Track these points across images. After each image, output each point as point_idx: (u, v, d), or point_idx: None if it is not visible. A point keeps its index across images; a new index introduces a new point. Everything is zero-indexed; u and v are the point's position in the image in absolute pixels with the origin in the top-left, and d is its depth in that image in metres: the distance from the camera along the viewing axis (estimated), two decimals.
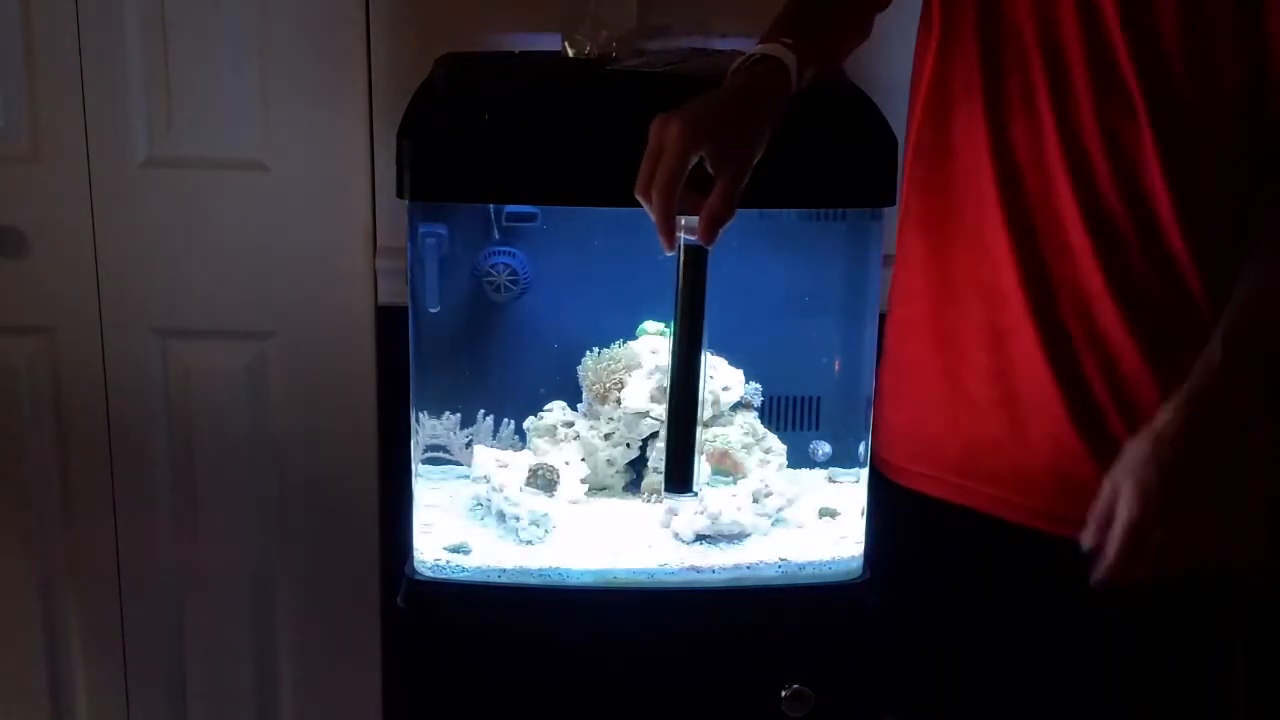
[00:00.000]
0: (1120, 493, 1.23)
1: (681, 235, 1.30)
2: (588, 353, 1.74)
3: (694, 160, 1.26)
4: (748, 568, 1.61)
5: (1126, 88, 1.30)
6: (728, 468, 1.69)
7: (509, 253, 1.70)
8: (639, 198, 1.28)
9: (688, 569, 1.61)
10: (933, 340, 1.46)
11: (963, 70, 1.39)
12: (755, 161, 1.29)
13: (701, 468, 1.48)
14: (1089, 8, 1.30)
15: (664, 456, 1.44)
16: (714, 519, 1.63)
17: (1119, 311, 1.34)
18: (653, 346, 1.72)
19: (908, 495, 1.52)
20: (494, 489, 1.66)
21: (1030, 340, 1.37)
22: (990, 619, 1.47)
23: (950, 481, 1.46)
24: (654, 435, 1.71)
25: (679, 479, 1.43)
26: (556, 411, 1.75)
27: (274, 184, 1.97)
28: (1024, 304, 1.36)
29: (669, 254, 1.31)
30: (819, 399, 1.78)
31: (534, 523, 1.63)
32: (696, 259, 1.34)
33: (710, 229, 1.28)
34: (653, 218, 1.28)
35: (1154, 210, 1.31)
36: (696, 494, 1.53)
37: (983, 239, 1.39)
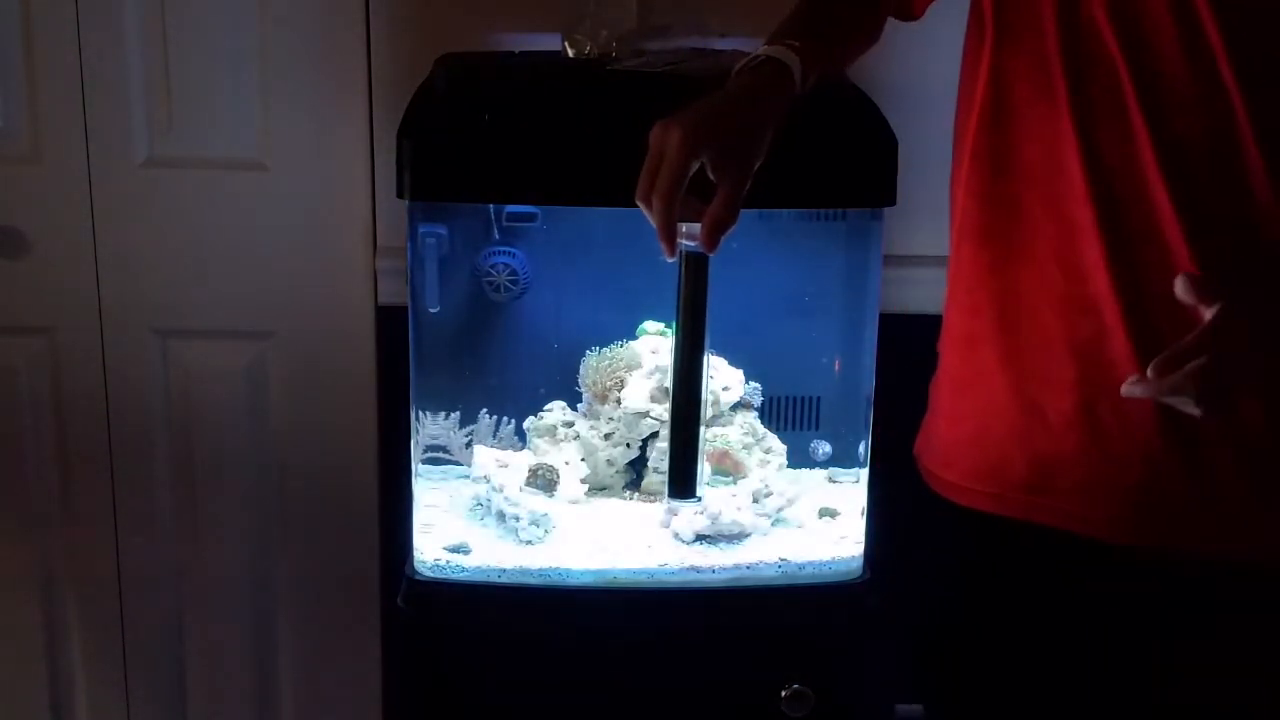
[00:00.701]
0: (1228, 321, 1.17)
1: (683, 242, 1.30)
2: (587, 351, 1.74)
3: (695, 167, 1.25)
4: (748, 568, 1.61)
5: (1224, 87, 1.25)
6: (728, 468, 1.69)
7: (509, 253, 1.70)
8: (640, 205, 1.27)
9: (688, 569, 1.61)
10: (999, 354, 1.39)
11: (1031, 72, 1.33)
12: (757, 166, 1.28)
13: (702, 469, 1.48)
14: (1182, 5, 1.25)
15: (667, 462, 1.44)
16: (714, 519, 1.63)
17: None
18: (653, 346, 1.72)
19: (967, 514, 1.44)
20: (494, 489, 1.66)
21: (1121, 350, 1.31)
22: (1064, 635, 1.41)
23: (1017, 499, 1.39)
24: (654, 435, 1.71)
25: (682, 485, 1.43)
26: (556, 411, 1.75)
27: (274, 184, 1.97)
28: (1117, 313, 1.30)
29: (670, 260, 1.31)
30: (819, 399, 1.78)
31: (534, 523, 1.63)
32: (698, 266, 1.34)
33: (713, 236, 1.26)
34: (654, 225, 1.26)
35: (1259, 216, 1.27)
36: (700, 500, 1.53)
37: (1069, 248, 1.33)
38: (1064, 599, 1.40)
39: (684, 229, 1.28)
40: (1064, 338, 1.34)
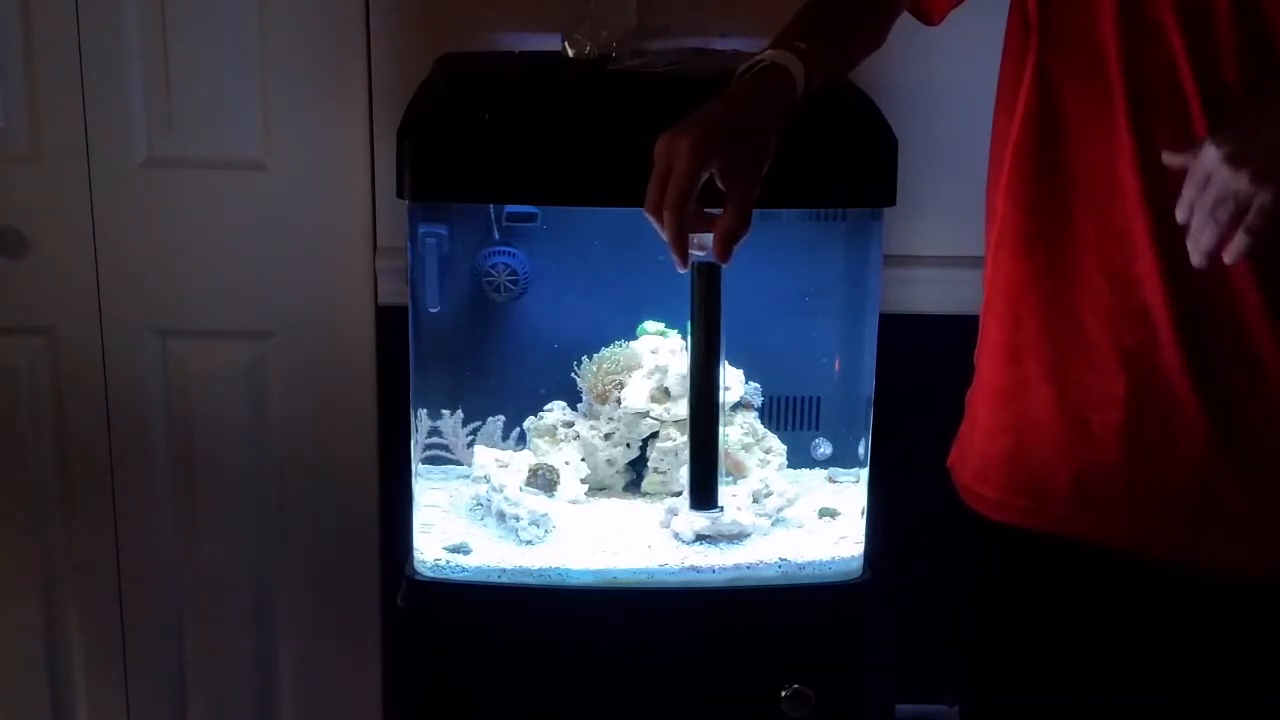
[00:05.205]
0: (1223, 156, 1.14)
1: (694, 252, 1.29)
2: (584, 358, 1.74)
3: (704, 177, 1.23)
4: (748, 568, 1.61)
5: None
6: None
7: (509, 253, 1.70)
8: (649, 217, 1.26)
9: (688, 569, 1.61)
10: (1043, 366, 1.35)
11: (1083, 76, 1.30)
12: (765, 173, 1.27)
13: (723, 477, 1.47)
14: (1247, 8, 1.23)
15: (687, 473, 1.43)
16: (714, 519, 1.63)
17: (1277, 331, 1.27)
18: (652, 346, 1.72)
19: (1000, 529, 1.41)
20: (494, 489, 1.66)
21: (1172, 362, 1.29)
22: (1099, 651, 1.39)
23: (1057, 513, 1.37)
24: (654, 435, 1.71)
25: (704, 496, 1.42)
26: (556, 411, 1.75)
27: (274, 184, 1.97)
28: (1169, 324, 1.28)
29: (683, 271, 1.30)
30: (819, 399, 1.78)
31: (534, 523, 1.63)
32: (711, 275, 1.33)
33: (726, 246, 1.25)
34: (665, 238, 1.25)
35: None
36: (722, 509, 1.53)
37: (1118, 257, 1.30)
38: (1101, 615, 1.38)
39: (695, 239, 1.28)
40: (1112, 349, 1.31)
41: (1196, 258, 1.17)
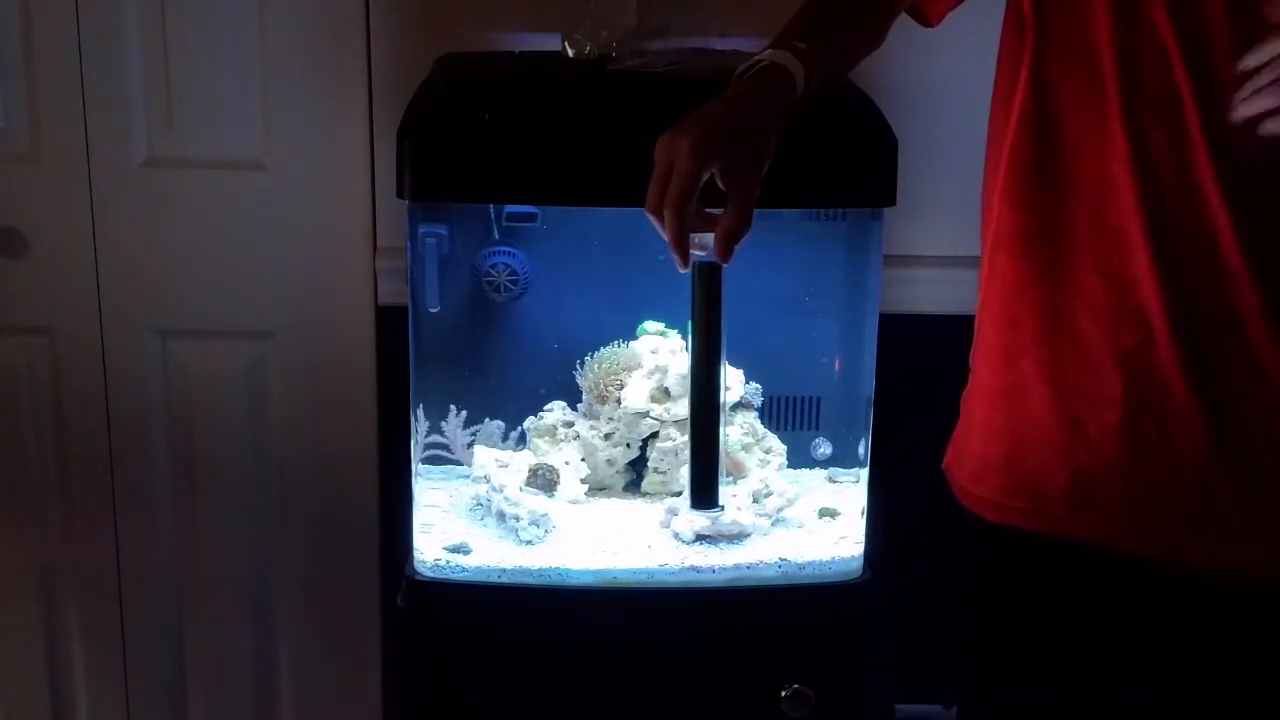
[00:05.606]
0: None
1: (694, 252, 1.29)
2: (587, 357, 1.74)
3: (705, 177, 1.24)
4: (748, 568, 1.61)
5: None
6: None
7: (509, 253, 1.70)
8: (649, 217, 1.26)
9: (688, 569, 1.61)
10: (1040, 368, 1.35)
11: (1078, 76, 1.30)
12: (765, 173, 1.27)
13: (723, 477, 1.46)
14: (1240, 7, 1.22)
15: (687, 472, 1.43)
16: (714, 519, 1.63)
17: (1275, 331, 1.27)
18: (652, 346, 1.72)
19: (998, 530, 1.41)
20: (494, 489, 1.66)
21: (1170, 362, 1.28)
22: (1098, 651, 1.38)
23: (1055, 514, 1.36)
24: (654, 435, 1.71)
25: (704, 496, 1.42)
26: (556, 411, 1.75)
27: (274, 184, 1.97)
28: (1165, 325, 1.28)
29: (683, 271, 1.30)
30: (819, 399, 1.78)
31: (534, 523, 1.63)
32: (711, 275, 1.33)
33: (727, 245, 1.25)
34: (666, 238, 1.25)
35: None
36: (723, 508, 1.53)
37: (1114, 258, 1.30)
38: (1099, 615, 1.38)
39: (695, 239, 1.28)
40: (1109, 350, 1.31)
41: (1236, 115, 1.17)
